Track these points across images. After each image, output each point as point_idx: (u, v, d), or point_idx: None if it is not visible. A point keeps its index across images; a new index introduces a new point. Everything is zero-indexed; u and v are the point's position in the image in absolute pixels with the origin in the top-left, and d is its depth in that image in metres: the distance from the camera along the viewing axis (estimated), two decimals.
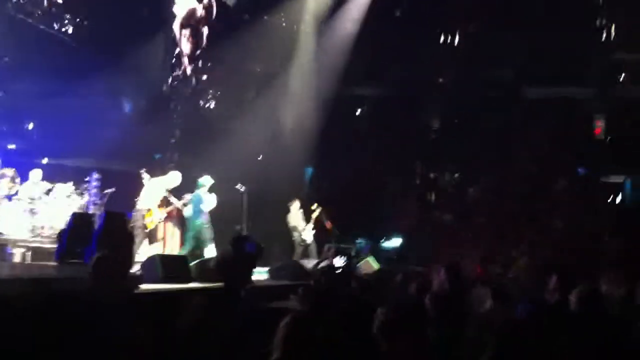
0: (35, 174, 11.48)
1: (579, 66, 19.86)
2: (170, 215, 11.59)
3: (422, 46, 20.38)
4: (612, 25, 19.40)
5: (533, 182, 18.37)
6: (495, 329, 4.35)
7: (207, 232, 11.44)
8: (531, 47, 19.33)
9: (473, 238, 16.31)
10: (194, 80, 16.34)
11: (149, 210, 10.74)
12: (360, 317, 4.87)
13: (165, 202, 11.16)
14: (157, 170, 12.02)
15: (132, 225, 10.12)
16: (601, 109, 20.57)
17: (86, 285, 3.93)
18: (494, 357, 2.90)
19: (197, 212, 11.39)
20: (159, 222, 11.18)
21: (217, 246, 11.41)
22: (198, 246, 11.33)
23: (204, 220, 11.49)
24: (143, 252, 9.98)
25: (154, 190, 11.04)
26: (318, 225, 13.81)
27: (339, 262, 9.36)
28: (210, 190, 11.80)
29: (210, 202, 11.63)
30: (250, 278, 5.47)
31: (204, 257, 10.33)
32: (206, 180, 11.70)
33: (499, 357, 2.98)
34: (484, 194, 18.92)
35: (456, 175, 20.67)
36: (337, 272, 8.48)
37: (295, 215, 13.75)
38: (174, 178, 11.35)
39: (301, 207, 13.84)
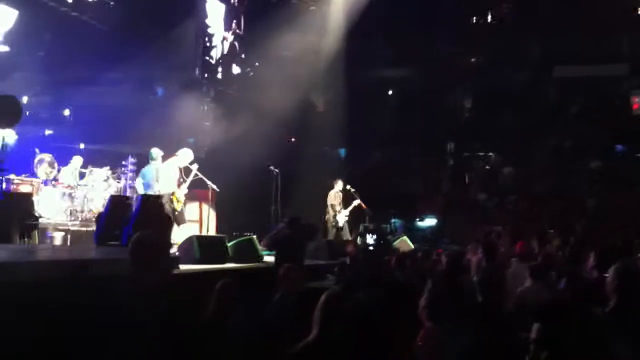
0: (77, 160, 11.65)
1: (613, 43, 19.49)
2: (205, 196, 11.63)
3: (453, 26, 20.20)
4: None
5: (568, 160, 18.17)
6: (538, 307, 4.33)
7: None
8: (563, 26, 19.00)
9: (508, 216, 16.20)
10: (225, 63, 16.41)
11: (172, 193, 10.63)
12: (398, 295, 4.88)
13: (180, 182, 10.86)
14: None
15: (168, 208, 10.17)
16: (637, 84, 20.16)
17: (125, 267, 3.97)
18: (540, 335, 2.88)
19: (147, 185, 10.78)
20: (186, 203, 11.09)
21: (246, 228, 11.38)
22: None
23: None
24: (175, 234, 10.02)
25: (171, 172, 10.82)
26: (354, 208, 13.79)
27: (371, 240, 9.36)
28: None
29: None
30: (304, 257, 5.53)
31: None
32: (156, 153, 10.94)
33: (545, 334, 2.96)
34: (518, 172, 18.76)
35: (490, 154, 20.50)
36: (370, 249, 8.52)
37: (335, 195, 13.71)
38: (186, 155, 10.99)
39: (342, 191, 13.76)
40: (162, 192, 10.30)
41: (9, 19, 11.35)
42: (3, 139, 9.56)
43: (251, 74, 17.14)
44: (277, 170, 12.82)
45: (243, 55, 17.04)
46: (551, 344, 2.77)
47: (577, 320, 3.59)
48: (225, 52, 16.57)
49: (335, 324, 3.81)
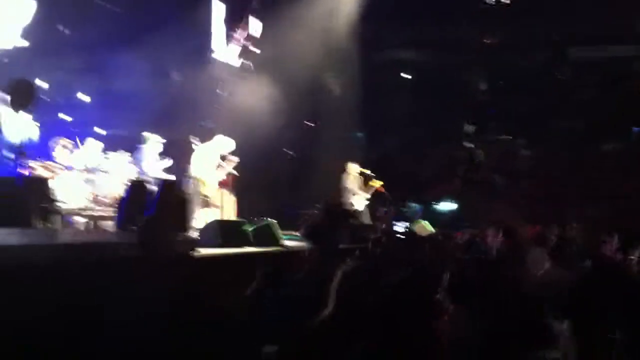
0: (91, 143, 11.69)
1: (631, 23, 19.25)
2: (225, 182, 11.68)
3: (467, 7, 20.02)
4: None
5: (584, 142, 18.05)
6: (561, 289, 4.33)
7: None
8: (578, 7, 18.78)
9: (525, 199, 16.13)
10: (239, 46, 16.36)
11: (201, 178, 10.75)
12: (419, 279, 4.89)
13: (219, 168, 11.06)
14: (207, 136, 12.09)
15: (188, 192, 10.24)
16: None
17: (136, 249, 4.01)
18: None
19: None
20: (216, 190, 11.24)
21: (264, 213, 11.48)
22: None
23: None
24: (201, 219, 10.11)
25: (204, 157, 11.02)
26: (374, 193, 13.74)
27: (400, 227, 9.35)
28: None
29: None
30: (338, 242, 5.57)
31: None
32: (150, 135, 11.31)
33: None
34: (535, 154, 18.66)
35: (506, 136, 20.40)
36: (399, 236, 8.54)
37: (353, 178, 13.66)
38: (225, 143, 11.22)
39: (360, 174, 13.72)
40: (192, 175, 10.42)
41: (28, 13, 11.33)
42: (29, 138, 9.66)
43: (263, 58, 17.08)
44: (293, 155, 12.83)
45: (255, 39, 16.97)
46: None
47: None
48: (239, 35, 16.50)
49: (353, 299, 3.84)
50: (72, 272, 4.86)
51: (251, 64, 16.04)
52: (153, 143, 11.27)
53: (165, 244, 3.91)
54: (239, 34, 15.94)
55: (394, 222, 9.65)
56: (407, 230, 8.91)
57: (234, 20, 16.13)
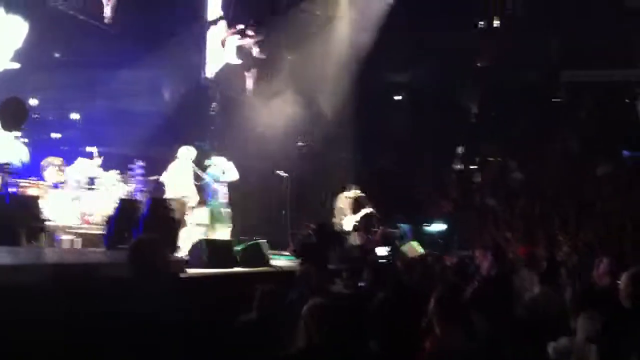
0: (81, 162, 11.66)
1: (622, 47, 19.43)
2: None
3: (459, 30, 20.19)
4: None
5: (577, 165, 18.10)
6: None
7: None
8: (571, 30, 18.96)
9: (517, 222, 16.13)
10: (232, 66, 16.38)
11: (182, 196, 10.73)
12: (407, 301, 4.87)
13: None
14: (201, 157, 12.08)
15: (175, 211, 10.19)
16: None
17: (127, 270, 3.98)
18: None
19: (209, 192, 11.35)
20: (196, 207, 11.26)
21: (257, 232, 11.44)
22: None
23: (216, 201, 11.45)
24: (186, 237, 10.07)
25: (176, 175, 10.93)
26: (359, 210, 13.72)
27: (382, 251, 9.34)
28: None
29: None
30: (328, 262, 5.56)
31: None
32: (215, 160, 11.62)
33: None
34: (527, 177, 18.69)
35: (498, 159, 20.46)
36: (381, 261, 8.54)
37: (344, 199, 13.67)
38: (190, 152, 11.20)
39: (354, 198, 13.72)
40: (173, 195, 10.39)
41: (19, 35, 11.31)
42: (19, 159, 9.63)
43: (257, 78, 17.12)
44: (286, 175, 12.82)
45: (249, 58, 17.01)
46: None
47: None
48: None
49: (325, 332, 3.82)
50: (60, 292, 4.81)
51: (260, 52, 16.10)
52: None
53: (156, 264, 3.87)
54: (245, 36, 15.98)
55: (383, 249, 9.61)
56: (390, 254, 8.88)
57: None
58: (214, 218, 11.34)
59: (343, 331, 3.95)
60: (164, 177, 10.74)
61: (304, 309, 3.92)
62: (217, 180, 11.36)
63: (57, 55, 13.09)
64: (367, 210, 13.56)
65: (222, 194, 11.53)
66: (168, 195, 10.49)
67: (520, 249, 10.53)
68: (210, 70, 15.52)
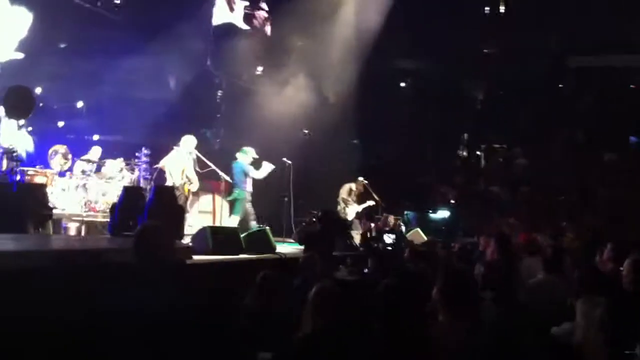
0: (96, 151, 11.74)
1: (629, 33, 19.29)
2: (219, 187, 11.67)
3: (466, 16, 20.07)
4: None
5: (582, 153, 18.06)
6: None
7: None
8: (578, 15, 18.81)
9: (521, 208, 16.12)
10: (237, 54, 16.37)
11: (185, 183, 10.74)
12: (411, 287, 4.88)
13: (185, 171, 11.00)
14: (207, 145, 12.09)
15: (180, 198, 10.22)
16: None
17: (132, 257, 3.99)
18: None
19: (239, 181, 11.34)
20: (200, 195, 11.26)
21: (261, 219, 11.44)
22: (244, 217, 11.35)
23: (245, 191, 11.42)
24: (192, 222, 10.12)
25: (177, 162, 10.89)
26: (364, 200, 13.75)
27: (388, 239, 9.36)
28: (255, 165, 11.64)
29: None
30: (333, 250, 5.57)
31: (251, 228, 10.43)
32: (248, 151, 11.52)
33: None
34: (532, 164, 18.66)
35: (503, 146, 20.43)
36: (388, 248, 8.57)
37: (348, 189, 13.70)
38: (190, 140, 11.10)
39: (360, 188, 13.74)
40: (176, 183, 10.41)
41: (24, 25, 11.32)
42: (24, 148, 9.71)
43: (261, 65, 17.11)
44: (289, 162, 12.82)
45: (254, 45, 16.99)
46: None
47: None
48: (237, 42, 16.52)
49: (331, 315, 3.84)
50: (66, 278, 4.85)
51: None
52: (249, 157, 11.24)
53: (161, 251, 3.88)
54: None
55: (383, 234, 9.61)
56: (395, 242, 8.89)
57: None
58: (235, 208, 11.32)
59: (349, 315, 3.97)
60: (163, 164, 10.73)
61: (311, 292, 3.94)
62: (244, 172, 11.30)
63: (62, 45, 13.06)
64: (371, 202, 13.59)
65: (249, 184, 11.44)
66: (168, 182, 10.48)
67: (521, 235, 10.51)
68: (215, 21, 15.48)
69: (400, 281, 4.79)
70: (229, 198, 11.58)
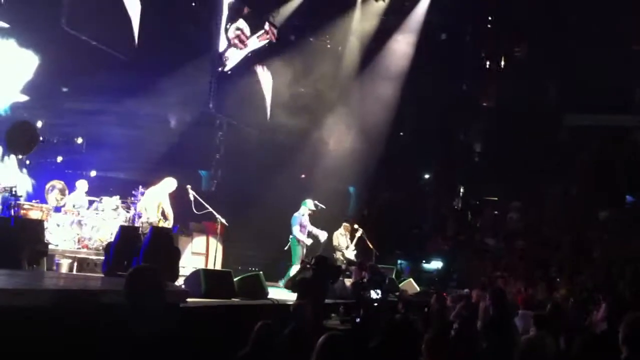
0: (82, 184, 11.73)
1: (626, 93, 19.55)
2: (214, 230, 11.64)
3: (466, 69, 20.33)
4: None
5: (577, 208, 18.09)
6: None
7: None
8: (576, 74, 19.06)
9: (515, 262, 16.09)
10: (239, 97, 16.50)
11: (159, 220, 10.78)
12: (404, 337, 4.88)
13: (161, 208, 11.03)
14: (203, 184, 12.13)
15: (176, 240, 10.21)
16: None
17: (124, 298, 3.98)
18: None
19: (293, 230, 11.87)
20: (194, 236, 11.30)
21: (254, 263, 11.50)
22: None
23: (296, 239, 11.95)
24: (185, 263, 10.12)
25: (153, 199, 10.92)
26: (360, 246, 13.70)
27: (374, 294, 9.28)
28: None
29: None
30: (325, 297, 5.51)
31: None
32: (308, 203, 12.16)
33: None
34: (526, 218, 18.69)
35: (498, 199, 20.47)
36: (374, 304, 8.53)
37: (338, 235, 13.68)
38: (171, 183, 11.17)
39: (348, 229, 13.76)
40: (151, 220, 10.44)
41: (30, 68, 11.44)
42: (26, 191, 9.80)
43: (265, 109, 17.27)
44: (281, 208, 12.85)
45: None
46: None
47: None
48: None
49: None
50: (58, 317, 4.82)
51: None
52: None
53: (155, 294, 3.87)
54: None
55: (374, 292, 9.51)
56: (381, 297, 8.80)
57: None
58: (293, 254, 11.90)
59: None
60: (141, 202, 10.91)
61: (319, 341, 3.90)
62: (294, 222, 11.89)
63: (64, 89, 13.27)
64: (359, 233, 13.66)
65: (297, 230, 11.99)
66: (143, 218, 10.58)
67: (517, 289, 10.50)
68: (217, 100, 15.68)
69: (389, 338, 4.78)
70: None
